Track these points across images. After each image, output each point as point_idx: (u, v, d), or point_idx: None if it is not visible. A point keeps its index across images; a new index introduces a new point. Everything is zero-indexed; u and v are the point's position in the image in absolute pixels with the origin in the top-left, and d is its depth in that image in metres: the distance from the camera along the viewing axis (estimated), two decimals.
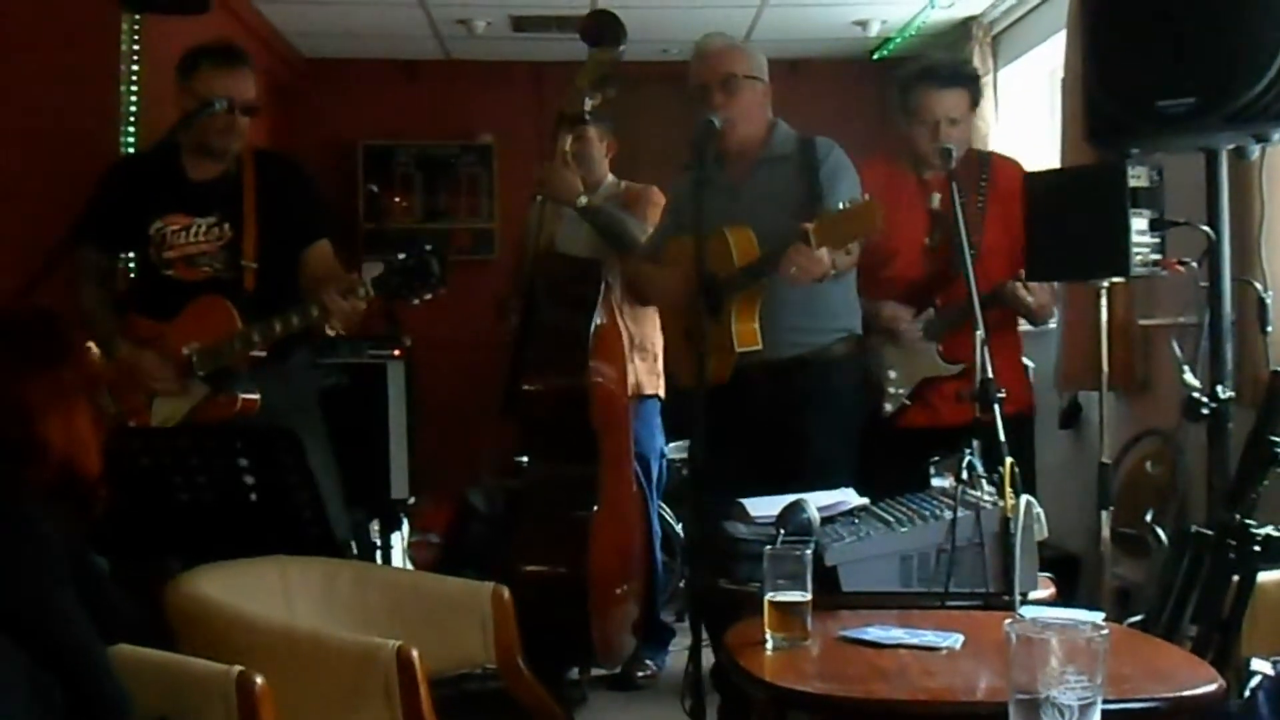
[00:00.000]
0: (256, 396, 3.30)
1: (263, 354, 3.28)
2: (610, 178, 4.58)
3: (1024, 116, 6.02)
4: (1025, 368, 3.90)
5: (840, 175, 3.50)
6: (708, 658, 2.83)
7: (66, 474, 1.90)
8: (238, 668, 1.96)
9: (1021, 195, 3.55)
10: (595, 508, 4.01)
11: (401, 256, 3.16)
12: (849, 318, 3.57)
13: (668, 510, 5.08)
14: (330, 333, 3.25)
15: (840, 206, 3.14)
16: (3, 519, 1.79)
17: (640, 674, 4.57)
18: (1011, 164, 3.84)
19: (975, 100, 3.70)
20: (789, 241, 3.21)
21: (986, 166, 3.69)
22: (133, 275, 3.73)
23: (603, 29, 3.98)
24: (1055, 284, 3.64)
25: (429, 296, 3.15)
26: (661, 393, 4.49)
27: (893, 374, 3.63)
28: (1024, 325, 3.83)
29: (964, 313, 3.49)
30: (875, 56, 6.84)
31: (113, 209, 3.45)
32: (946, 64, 3.83)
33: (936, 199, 3.64)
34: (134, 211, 3.44)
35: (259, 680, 1.95)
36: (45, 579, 1.78)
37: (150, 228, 3.43)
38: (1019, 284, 3.47)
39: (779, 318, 3.42)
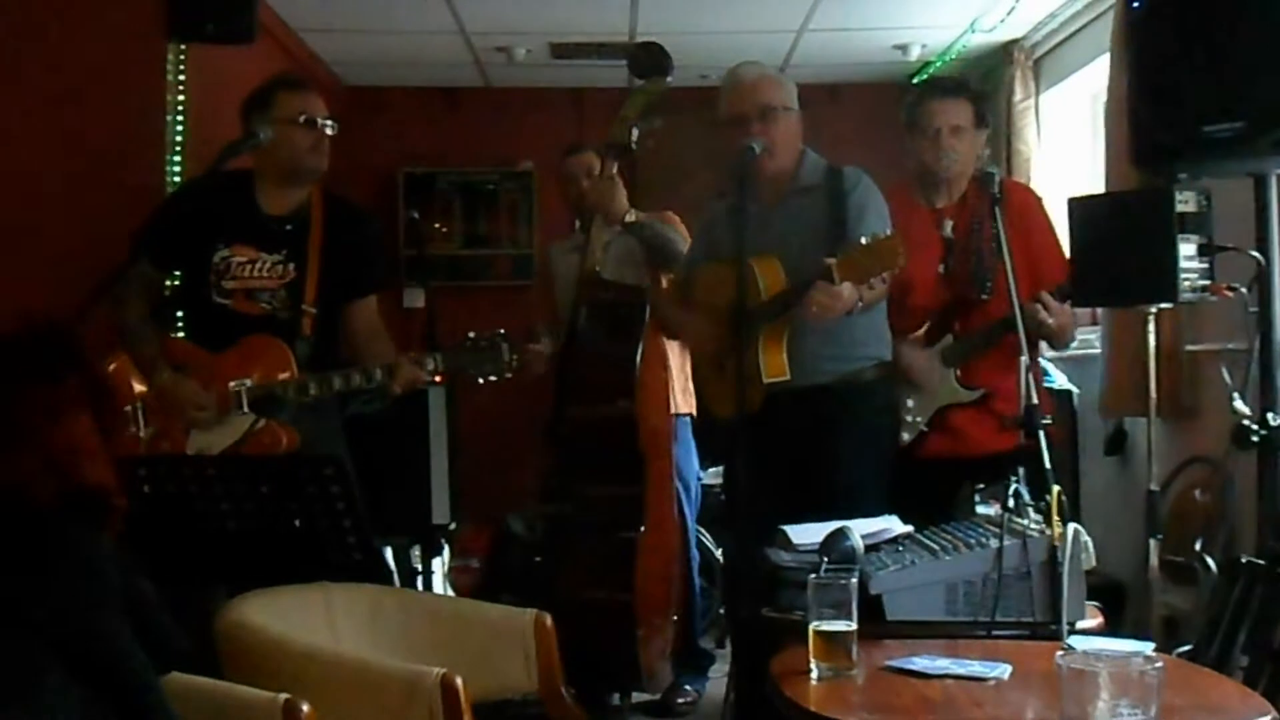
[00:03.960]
0: (298, 436, 3.32)
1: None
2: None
3: (1066, 141, 5.99)
4: (1047, 392, 3.88)
5: (868, 206, 3.49)
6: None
7: (74, 486, 1.89)
8: (284, 695, 1.97)
9: (1036, 217, 3.58)
10: (642, 530, 4.02)
11: (472, 336, 3.25)
12: (878, 346, 3.55)
13: (707, 535, 5.07)
14: (398, 391, 3.32)
15: (863, 241, 3.12)
16: (60, 550, 1.80)
17: (680, 700, 4.55)
18: (1021, 187, 3.88)
19: (981, 116, 3.66)
20: (814, 274, 3.20)
21: (998, 189, 3.66)
22: (175, 296, 3.73)
23: (651, 60, 4.02)
24: (1077, 307, 3.59)
25: (494, 379, 3.26)
26: (694, 411, 4.49)
27: (910, 403, 3.60)
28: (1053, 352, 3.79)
29: (984, 339, 3.50)
30: (915, 81, 6.82)
31: (178, 228, 3.44)
32: (949, 77, 3.86)
33: (949, 226, 3.63)
34: (199, 235, 3.43)
35: (305, 708, 1.95)
36: (102, 610, 1.79)
37: (214, 254, 3.41)
38: (1038, 305, 3.40)
39: (806, 346, 3.41)
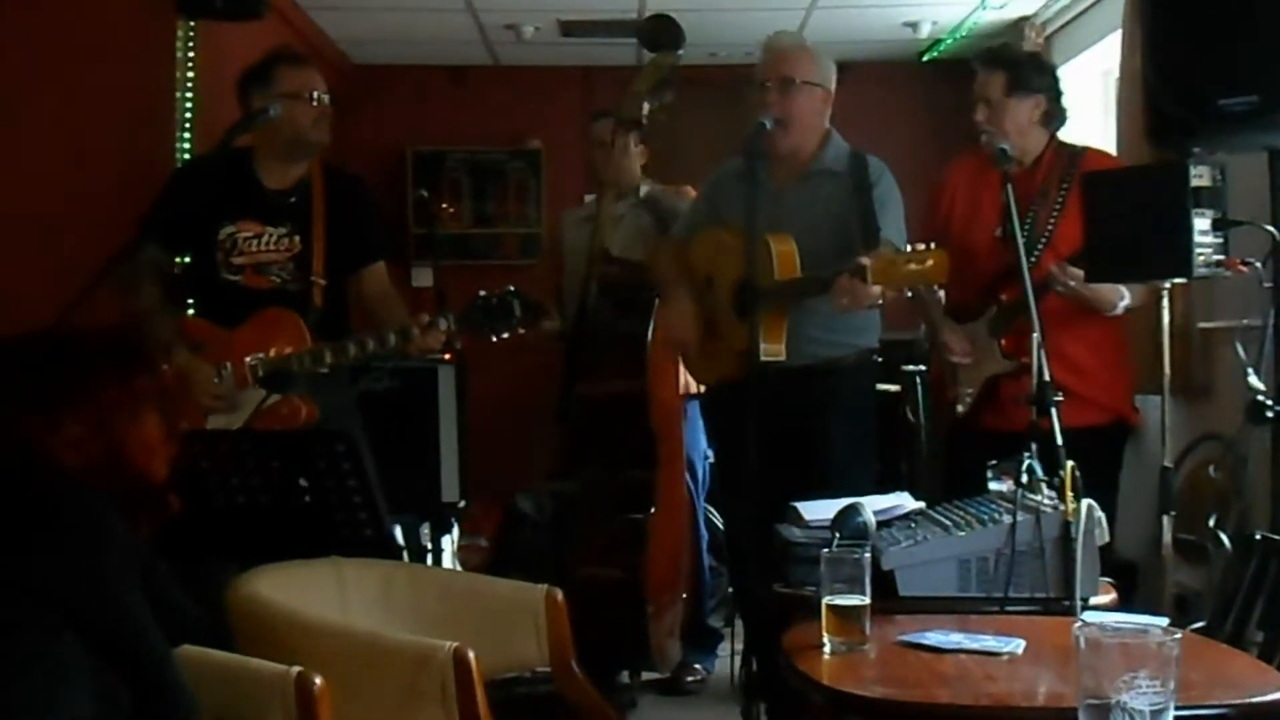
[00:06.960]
0: (316, 409, 3.32)
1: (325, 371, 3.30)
2: (647, 180, 4.59)
3: (1078, 117, 5.94)
4: (1127, 369, 3.74)
5: (890, 202, 3.47)
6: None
7: (135, 479, 1.93)
8: (297, 668, 1.96)
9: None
10: (652, 510, 4.01)
11: (483, 294, 3.22)
12: (868, 335, 3.56)
13: (715, 514, 5.06)
14: (414, 354, 3.33)
15: (906, 249, 3.09)
16: (80, 522, 1.80)
17: (689, 678, 4.57)
18: (1104, 158, 3.75)
19: (1016, 83, 3.56)
20: (838, 265, 3.18)
21: (1076, 161, 3.59)
22: (184, 275, 3.74)
23: (662, 33, 4.00)
24: (1091, 283, 3.54)
25: (506, 336, 3.21)
26: (702, 389, 4.47)
27: (960, 374, 3.59)
28: None
29: (1018, 307, 3.43)
30: (925, 58, 6.79)
31: (182, 210, 3.44)
32: (987, 48, 3.85)
33: (1009, 191, 3.59)
34: (203, 214, 3.44)
35: (318, 680, 1.95)
36: (120, 583, 1.80)
37: (220, 232, 3.44)
38: (1061, 267, 3.33)
39: (801, 327, 3.42)
